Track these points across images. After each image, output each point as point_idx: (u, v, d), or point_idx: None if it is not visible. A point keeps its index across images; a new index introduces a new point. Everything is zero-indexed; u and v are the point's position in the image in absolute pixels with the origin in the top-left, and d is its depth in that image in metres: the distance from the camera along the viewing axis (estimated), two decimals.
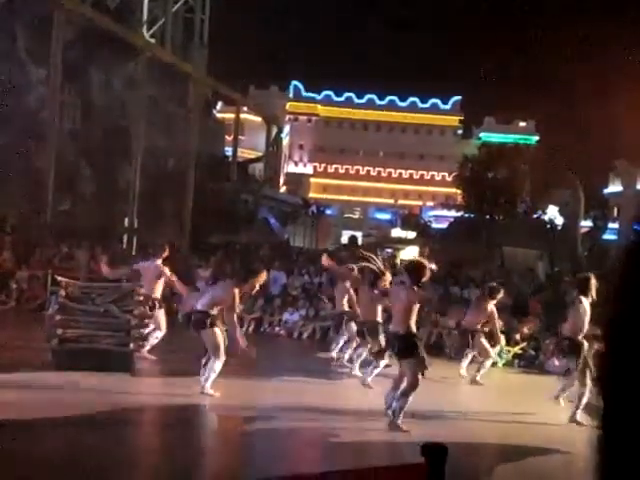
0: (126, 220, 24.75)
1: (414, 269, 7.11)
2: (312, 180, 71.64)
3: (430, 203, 64.51)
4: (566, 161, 28.30)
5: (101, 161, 24.17)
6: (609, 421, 1.11)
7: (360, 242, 37.97)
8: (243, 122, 42.06)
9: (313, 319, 13.87)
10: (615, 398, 1.10)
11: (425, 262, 7.46)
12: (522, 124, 70.03)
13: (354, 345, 10.15)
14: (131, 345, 8.88)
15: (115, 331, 8.87)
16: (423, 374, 6.90)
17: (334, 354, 10.70)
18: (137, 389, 7.95)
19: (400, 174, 72.32)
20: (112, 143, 24.02)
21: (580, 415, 7.51)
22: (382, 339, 8.76)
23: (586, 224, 32.94)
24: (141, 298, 9.14)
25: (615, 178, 41.47)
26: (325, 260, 10.80)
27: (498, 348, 11.08)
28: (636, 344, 1.07)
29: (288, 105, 71.38)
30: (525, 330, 12.32)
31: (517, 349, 12.04)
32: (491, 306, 10.13)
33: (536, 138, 66.18)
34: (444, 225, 42.98)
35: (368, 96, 72.65)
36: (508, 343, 11.90)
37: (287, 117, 69.80)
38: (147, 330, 9.52)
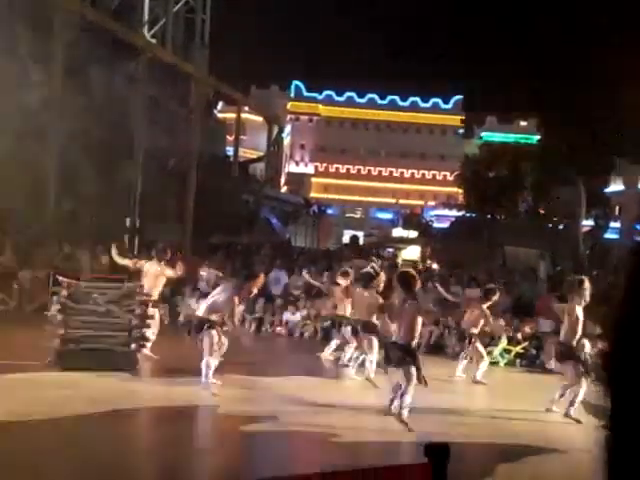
0: (128, 220, 24.75)
1: (404, 281, 7.27)
2: (313, 180, 71.65)
3: (431, 203, 64.59)
4: (567, 159, 28.27)
5: (102, 161, 24.16)
6: (616, 421, 1.10)
7: (361, 242, 38.02)
8: (244, 122, 42.00)
9: (314, 319, 13.86)
10: (623, 398, 1.10)
11: (414, 272, 7.67)
12: (523, 123, 69.96)
13: (353, 345, 10.14)
14: (132, 345, 8.90)
15: (117, 331, 8.90)
16: (420, 382, 7.01)
17: (330, 357, 10.77)
18: (138, 389, 7.95)
19: (401, 174, 72.29)
20: (113, 143, 24.01)
21: (574, 411, 7.61)
22: (375, 340, 9.11)
23: (588, 223, 32.91)
24: (143, 298, 9.18)
25: (617, 177, 41.41)
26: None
27: (500, 347, 11.05)
28: None
29: (289, 105, 71.39)
30: (527, 329, 12.32)
31: (519, 348, 12.04)
32: (484, 307, 10.12)
33: (537, 137, 66.11)
34: (445, 225, 43.08)
35: (369, 96, 72.60)
36: (510, 342, 11.92)
37: (288, 117, 69.72)
38: (148, 330, 9.54)
